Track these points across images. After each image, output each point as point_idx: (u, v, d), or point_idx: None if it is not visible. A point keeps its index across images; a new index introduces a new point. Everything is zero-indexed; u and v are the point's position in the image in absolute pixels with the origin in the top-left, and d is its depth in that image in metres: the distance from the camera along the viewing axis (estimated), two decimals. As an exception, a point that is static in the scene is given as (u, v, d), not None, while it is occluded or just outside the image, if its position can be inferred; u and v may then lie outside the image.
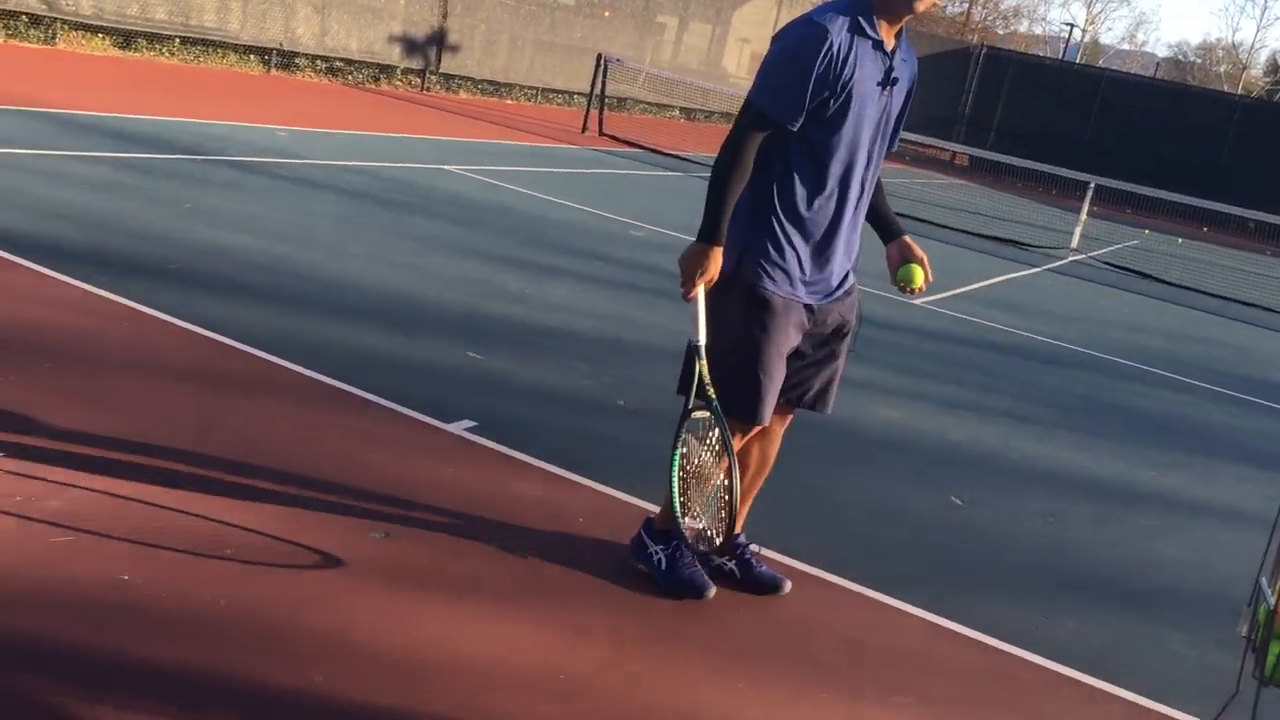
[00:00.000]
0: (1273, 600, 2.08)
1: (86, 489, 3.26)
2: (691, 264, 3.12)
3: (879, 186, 3.40)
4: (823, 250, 3.22)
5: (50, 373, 4.08)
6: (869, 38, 3.06)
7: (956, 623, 3.60)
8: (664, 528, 3.44)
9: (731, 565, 3.54)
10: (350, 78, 17.32)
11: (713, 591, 3.41)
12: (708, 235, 3.10)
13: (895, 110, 3.22)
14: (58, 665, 2.50)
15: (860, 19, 3.05)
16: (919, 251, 3.39)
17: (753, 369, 3.18)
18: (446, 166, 10.88)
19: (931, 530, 4.39)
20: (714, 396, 3.14)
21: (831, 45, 2.99)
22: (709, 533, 3.17)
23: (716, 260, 3.12)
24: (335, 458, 3.84)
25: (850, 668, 3.23)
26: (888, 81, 3.13)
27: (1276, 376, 9.25)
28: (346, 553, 3.23)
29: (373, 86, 17.51)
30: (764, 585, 3.54)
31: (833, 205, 3.18)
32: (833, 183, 3.16)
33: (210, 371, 4.43)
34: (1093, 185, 15.50)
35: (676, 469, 3.23)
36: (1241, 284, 15.49)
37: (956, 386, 6.73)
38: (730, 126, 3.17)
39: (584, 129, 17.15)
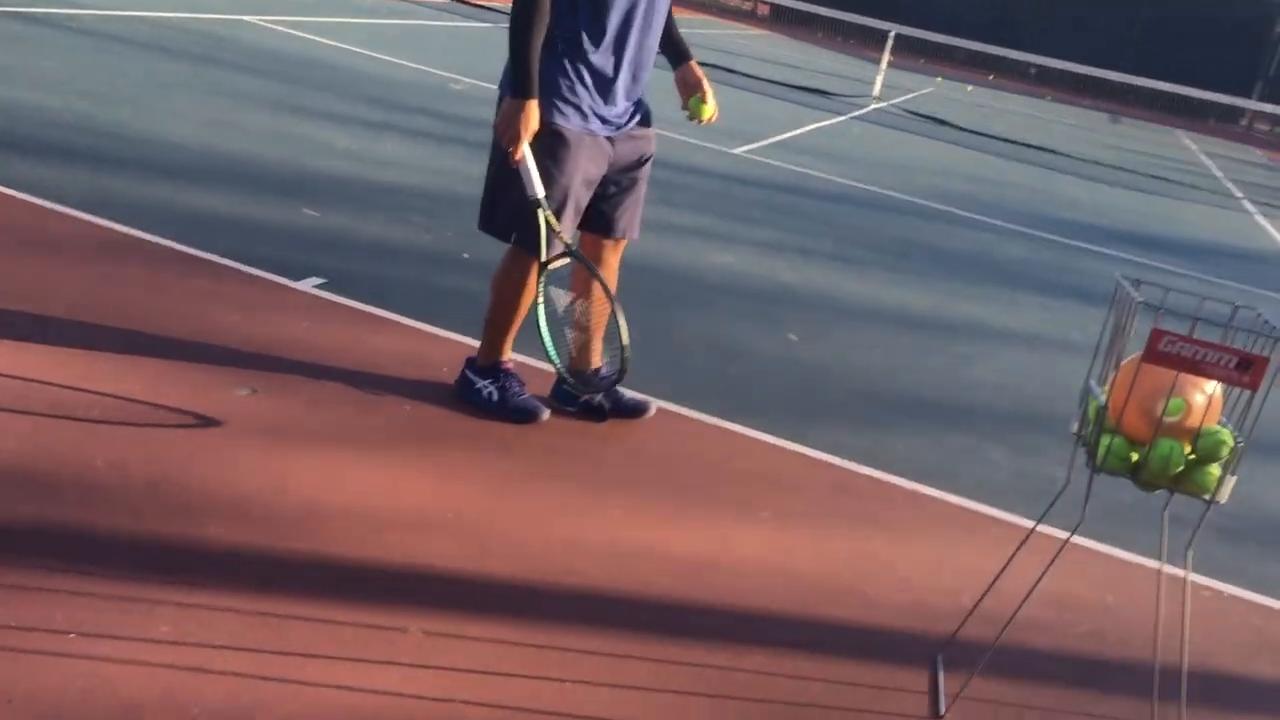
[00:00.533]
0: (1103, 399, 2.37)
1: (-71, 360, 3.12)
2: (510, 119, 3.21)
3: (670, 15, 3.55)
4: (612, 86, 3.38)
5: None
6: None
7: (801, 445, 3.88)
8: (488, 362, 3.58)
9: (600, 398, 3.70)
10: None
11: (546, 414, 3.58)
12: (521, 89, 3.19)
13: None
14: (-60, 534, 2.45)
15: None
16: (705, 83, 3.61)
17: (550, 195, 3.31)
18: (245, 17, 10.31)
19: (771, 365, 4.65)
20: (569, 242, 3.26)
21: None
22: (613, 366, 3.35)
23: (534, 113, 3.21)
24: (188, 319, 3.77)
25: (712, 490, 3.46)
26: None
27: (1064, 214, 9.94)
28: (217, 410, 3.22)
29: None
30: (634, 410, 3.74)
31: (618, 44, 3.34)
32: (614, 23, 3.31)
33: (36, 236, 4.22)
34: (893, 34, 15.95)
35: (544, 322, 3.35)
36: (1026, 128, 16.39)
37: (781, 231, 7.00)
38: None
39: (385, -23, 16.42)
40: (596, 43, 3.31)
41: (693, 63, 3.64)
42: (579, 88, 3.33)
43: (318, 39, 10.13)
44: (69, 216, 4.45)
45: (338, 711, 2.19)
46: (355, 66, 9.24)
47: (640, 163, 3.57)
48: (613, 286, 3.66)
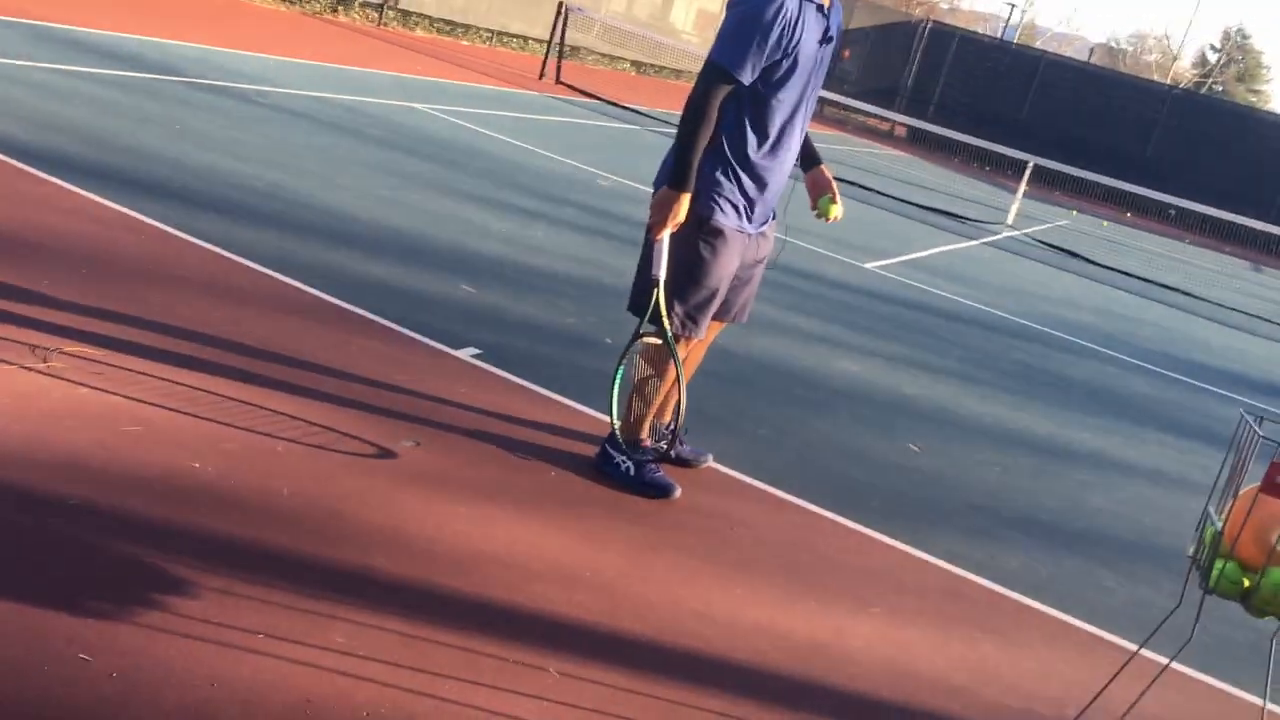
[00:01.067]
0: (1219, 525, 2.50)
1: (141, 383, 3.51)
2: (663, 208, 3.54)
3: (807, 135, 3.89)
4: (765, 189, 3.69)
5: (85, 279, 4.29)
6: (813, 2, 3.49)
7: (919, 549, 4.02)
8: (627, 437, 3.83)
9: (674, 453, 4.00)
10: (307, 6, 17.20)
11: (679, 492, 3.84)
12: (679, 183, 3.52)
13: (827, 60, 3.69)
14: (142, 541, 2.78)
15: None
16: (834, 185, 3.92)
17: (698, 291, 3.65)
18: (414, 104, 11.02)
19: (894, 471, 4.81)
20: (667, 326, 3.63)
21: (785, 12, 3.41)
22: (663, 438, 3.80)
23: (684, 205, 3.54)
24: (362, 374, 4.13)
25: (830, 582, 3.63)
26: (825, 40, 3.59)
27: (1194, 356, 9.88)
28: (385, 457, 3.54)
29: (330, 17, 17.41)
30: (690, 462, 4.12)
31: (775, 150, 3.65)
32: (775, 131, 3.62)
33: (227, 285, 4.66)
34: (1031, 164, 16.09)
35: (619, 380, 3.76)
36: (1161, 268, 16.26)
37: (908, 346, 7.18)
38: (691, 85, 3.55)
39: (541, 75, 17.28)
40: (760, 145, 3.61)
41: (823, 166, 3.95)
42: (739, 187, 3.63)
43: (477, 128, 10.76)
44: (257, 272, 4.90)
45: (485, 732, 2.43)
46: (510, 157, 9.80)
47: (764, 257, 3.90)
48: (700, 357, 4.00)
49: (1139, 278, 14.21)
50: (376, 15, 18.42)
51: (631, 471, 3.82)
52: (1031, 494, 5.03)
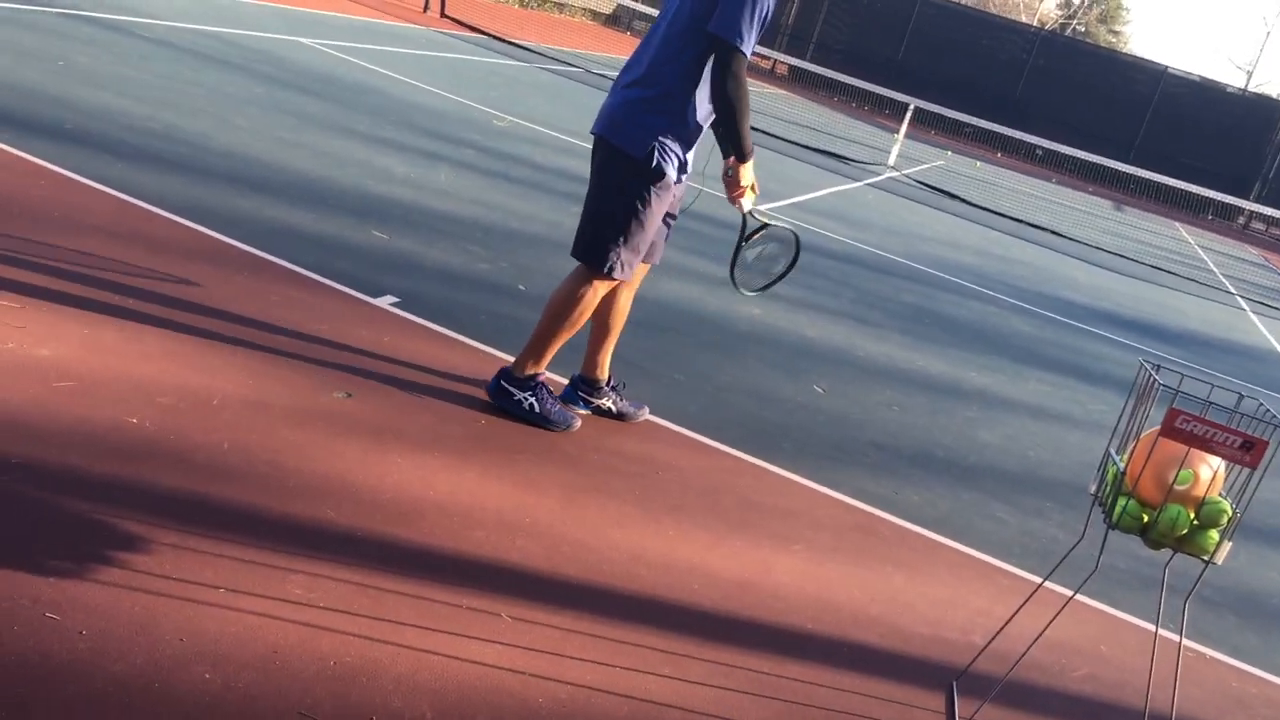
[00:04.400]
0: (1122, 465, 2.74)
1: (64, 337, 3.47)
2: (735, 180, 3.85)
3: None
4: (697, 137, 3.89)
5: (-12, 228, 4.17)
6: None
7: (829, 488, 4.24)
8: (527, 375, 3.96)
9: (609, 405, 4.19)
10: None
11: (579, 423, 4.02)
12: (742, 154, 3.80)
13: None
14: (90, 498, 2.79)
15: None
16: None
17: (641, 235, 3.84)
18: (300, 39, 10.74)
19: (802, 413, 5.02)
20: (766, 221, 4.05)
21: None
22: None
23: (751, 170, 3.85)
24: (286, 325, 4.13)
25: (753, 522, 3.82)
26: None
27: (1066, 294, 10.39)
28: (321, 409, 3.57)
29: (202, -57, 16.70)
30: (629, 416, 4.29)
31: (708, 113, 3.84)
32: (707, 74, 3.76)
33: (138, 233, 4.58)
34: (912, 106, 16.49)
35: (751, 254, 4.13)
36: (1032, 208, 16.93)
37: (805, 290, 7.40)
38: (720, 63, 3.66)
39: (425, 9, 16.93)
40: (700, 108, 3.77)
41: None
42: (681, 143, 3.79)
43: (367, 64, 10.55)
44: (167, 219, 4.81)
45: (441, 676, 2.53)
46: (403, 95, 9.66)
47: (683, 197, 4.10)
48: (628, 305, 4.16)
49: (1011, 218, 14.77)
50: (250, -59, 17.72)
51: (535, 408, 3.94)
52: (927, 431, 5.30)
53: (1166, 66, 29.80)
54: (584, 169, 3.89)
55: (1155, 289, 12.66)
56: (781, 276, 4.29)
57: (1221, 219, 27.57)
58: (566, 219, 6.82)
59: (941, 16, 33.08)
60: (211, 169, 5.76)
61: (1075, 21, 59.17)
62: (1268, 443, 2.56)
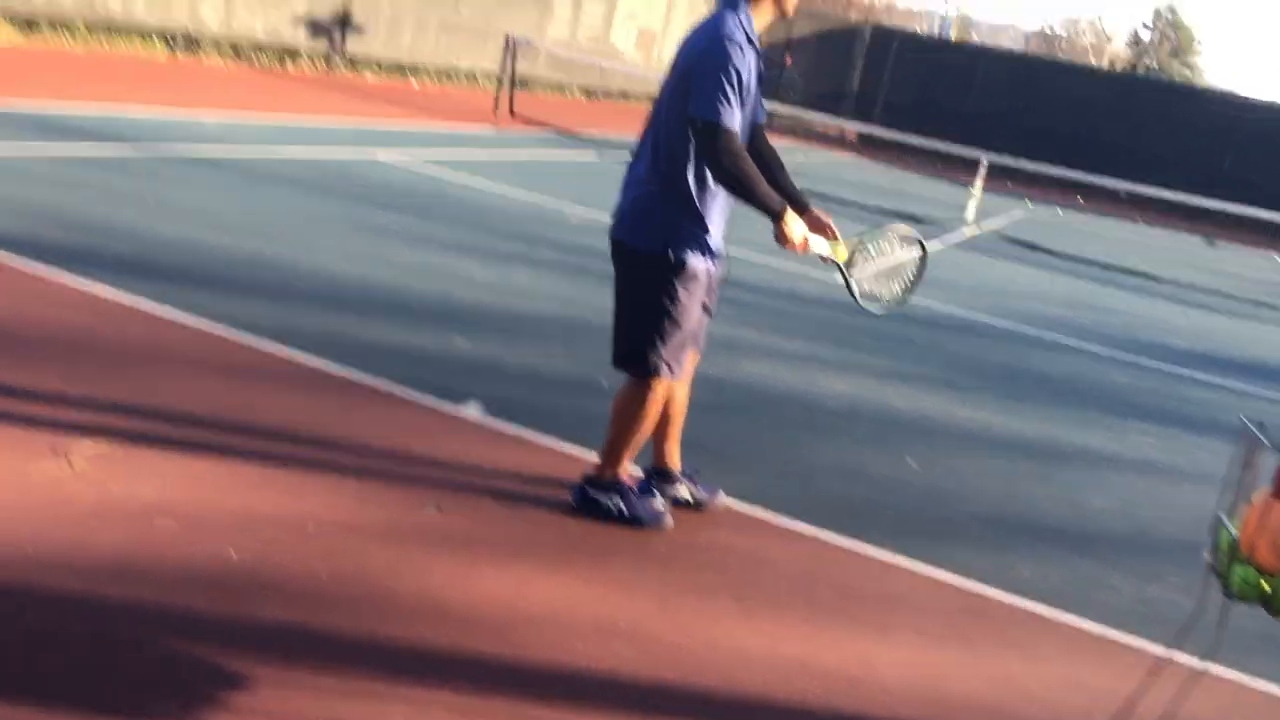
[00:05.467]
0: (1234, 531, 2.62)
1: (165, 475, 3.56)
2: (784, 235, 3.68)
3: (780, 163, 3.94)
4: (722, 222, 3.80)
5: (92, 371, 4.32)
6: (753, 44, 3.65)
7: (933, 568, 4.13)
8: (609, 478, 3.91)
9: (686, 495, 4.11)
10: (256, 61, 17.20)
11: (669, 519, 3.95)
12: (773, 212, 3.63)
13: (759, 92, 3.78)
14: (193, 636, 2.83)
15: (747, 28, 3.63)
16: (831, 225, 3.93)
17: (680, 333, 3.75)
18: (375, 152, 11.07)
19: (897, 489, 4.92)
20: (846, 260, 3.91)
21: (746, 57, 3.57)
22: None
23: (793, 219, 3.68)
24: (375, 443, 4.19)
25: (853, 611, 3.73)
26: (760, 79, 3.71)
27: (1164, 339, 10.10)
28: (412, 526, 3.61)
29: (279, 69, 17.41)
30: (703, 503, 4.20)
31: None
32: None
33: (231, 364, 4.71)
34: (985, 161, 16.35)
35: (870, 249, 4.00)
36: (1120, 252, 16.57)
37: (891, 359, 7.31)
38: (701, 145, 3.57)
39: (496, 109, 17.37)
40: (708, 176, 3.65)
41: (813, 209, 3.94)
42: (701, 225, 3.70)
43: (441, 173, 10.82)
44: (258, 348, 4.94)
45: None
46: (478, 199, 9.87)
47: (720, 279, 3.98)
48: (686, 396, 4.09)
49: (1100, 264, 14.47)
50: (324, 63, 18.45)
51: (624, 511, 3.91)
52: (1031, 498, 5.15)
53: (1246, 96, 29.24)
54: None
55: (1257, 326, 12.24)
56: (920, 272, 4.14)
57: (1321, 244, 26.66)
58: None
59: (1006, 65, 32.96)
60: (297, 292, 5.93)
61: (1146, 58, 58.41)
62: (1390, 500, 2.44)
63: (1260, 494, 2.61)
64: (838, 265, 3.92)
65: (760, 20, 3.66)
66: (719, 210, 3.75)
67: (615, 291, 3.84)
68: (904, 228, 4.13)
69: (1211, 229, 24.61)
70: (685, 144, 3.60)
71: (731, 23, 3.56)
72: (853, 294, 3.98)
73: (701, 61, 3.55)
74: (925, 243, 4.17)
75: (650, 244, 3.68)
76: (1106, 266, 14.37)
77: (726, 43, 3.51)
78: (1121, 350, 9.10)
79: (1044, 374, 7.78)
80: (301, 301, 5.79)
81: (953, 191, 20.66)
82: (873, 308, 4.06)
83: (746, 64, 3.55)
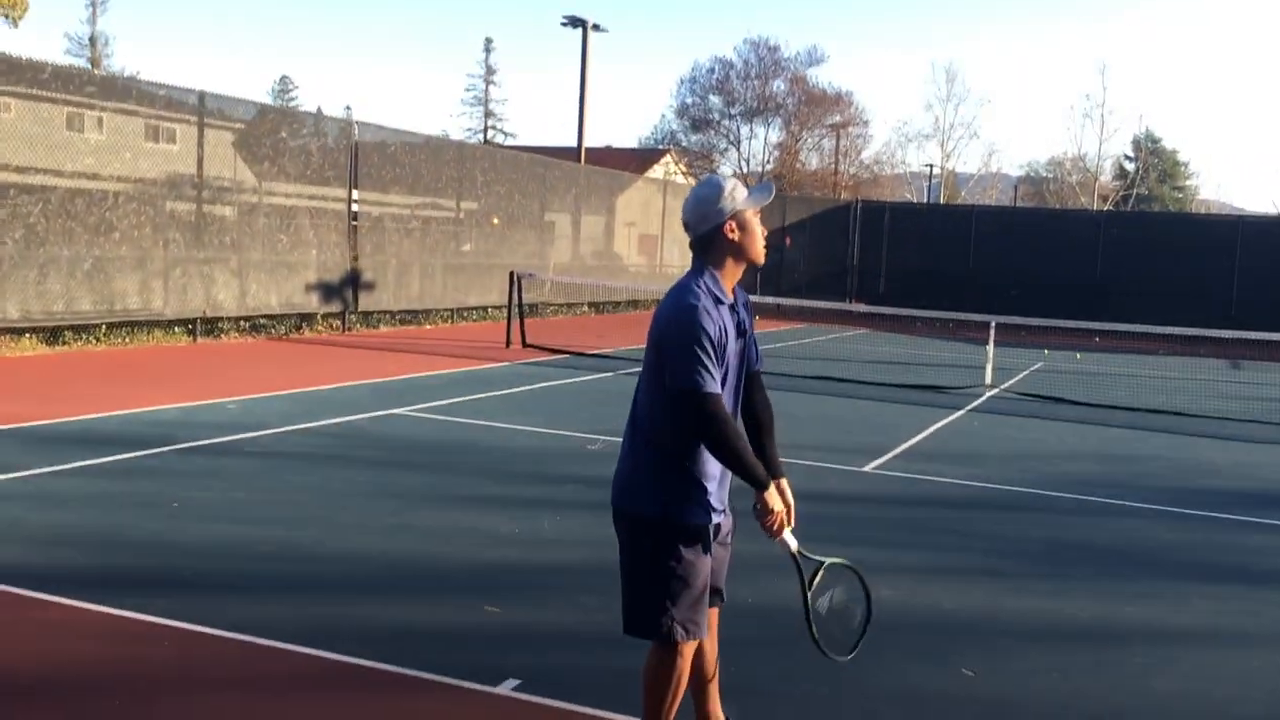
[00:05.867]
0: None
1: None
2: (764, 511, 3.64)
3: (770, 419, 3.91)
4: (719, 475, 3.72)
5: (120, 709, 4.27)
6: (723, 302, 3.66)
7: (1006, 796, 3.92)
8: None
9: None
10: (272, 331, 17.74)
11: None
12: (758, 483, 3.60)
13: (747, 346, 3.77)
14: None
15: (712, 288, 3.64)
16: (792, 507, 3.80)
17: (689, 592, 3.66)
18: (396, 410, 11.25)
19: (957, 707, 4.73)
20: (818, 560, 3.80)
21: (716, 318, 3.58)
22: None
23: (776, 495, 3.65)
24: (410, 744, 4.08)
25: None
26: (740, 333, 3.71)
27: (1205, 482, 9.90)
28: (456, 840, 3.46)
29: (296, 336, 17.94)
30: None
31: None
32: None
33: (262, 675, 4.65)
34: (994, 324, 16.47)
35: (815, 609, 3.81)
36: (1147, 391, 16.47)
37: (931, 551, 7.17)
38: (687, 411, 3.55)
39: (508, 344, 17.74)
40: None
41: (784, 481, 3.81)
42: (696, 484, 3.65)
43: (461, 420, 10.97)
44: (287, 652, 4.89)
45: None
46: (500, 443, 9.96)
47: (729, 529, 3.90)
48: (715, 648, 3.98)
49: (1126, 408, 14.36)
50: (339, 323, 19.01)
51: None
52: (1095, 693, 4.94)
53: (1242, 213, 29.64)
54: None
55: (1300, 449, 12.02)
56: (866, 623, 3.96)
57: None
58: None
59: (1001, 219, 33.67)
60: (323, 581, 5.91)
61: (1136, 189, 59.57)
62: None
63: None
64: (805, 570, 3.81)
65: (728, 278, 3.69)
66: (715, 467, 3.70)
67: (620, 559, 3.80)
68: (851, 571, 3.95)
69: (1233, 350, 24.49)
70: (667, 412, 3.61)
71: (695, 286, 3.61)
72: (809, 619, 3.80)
73: (668, 333, 3.58)
74: (868, 594, 3.98)
75: (648, 508, 3.66)
76: (1134, 410, 14.26)
77: (690, 310, 3.54)
78: (1163, 502, 8.91)
79: (1087, 543, 7.60)
80: (327, 592, 5.76)
81: (967, 352, 20.76)
82: (825, 646, 3.84)
83: (717, 324, 3.56)
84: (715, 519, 3.74)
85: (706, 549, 3.72)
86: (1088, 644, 5.58)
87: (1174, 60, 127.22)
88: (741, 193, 3.69)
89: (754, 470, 3.59)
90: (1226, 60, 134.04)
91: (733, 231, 3.65)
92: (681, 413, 3.56)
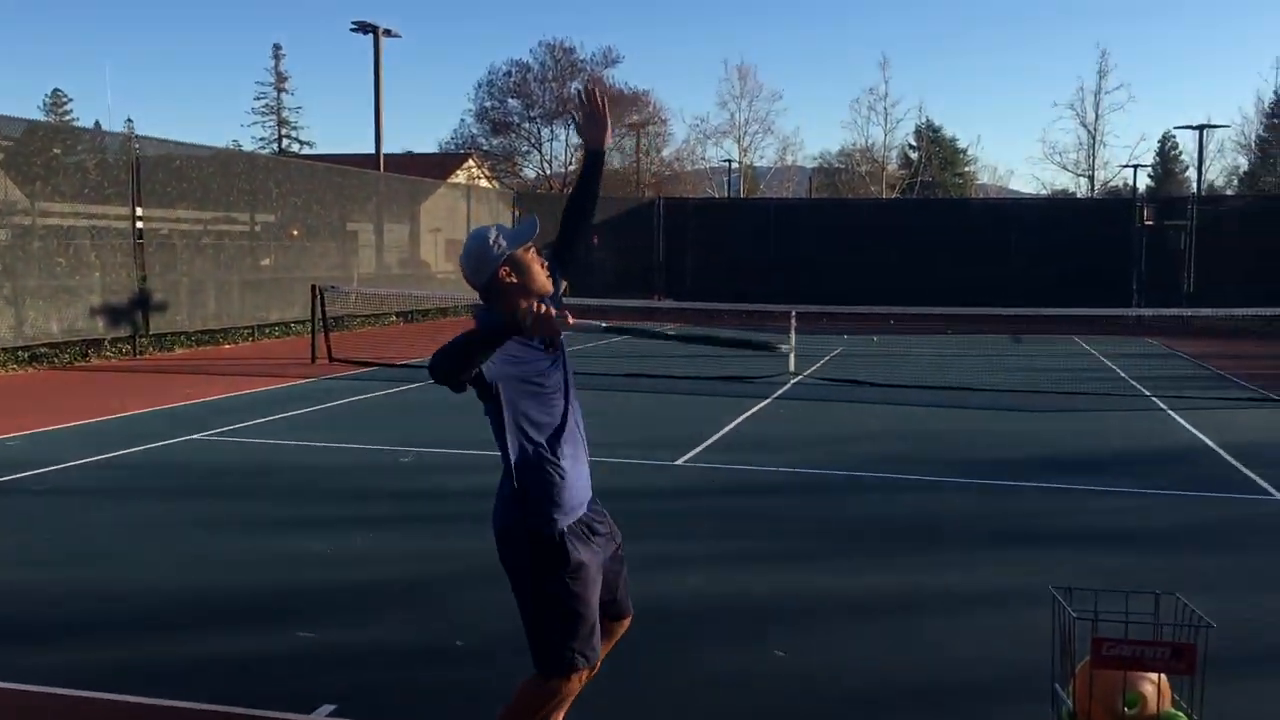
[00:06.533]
0: (1071, 703, 2.70)
1: None
2: (526, 315, 3.24)
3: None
4: (580, 473, 3.68)
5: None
6: (529, 344, 3.62)
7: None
8: None
9: None
10: (55, 361, 16.75)
11: None
12: (506, 324, 3.31)
13: (561, 355, 3.74)
14: None
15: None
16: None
17: (581, 620, 3.57)
18: (195, 435, 10.82)
19: (770, 688, 4.89)
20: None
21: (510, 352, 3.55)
22: None
23: (529, 316, 3.24)
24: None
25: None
26: (551, 346, 3.68)
27: (993, 451, 10.51)
28: None
29: (82, 364, 16.99)
30: None
31: (568, 443, 3.64)
32: (559, 402, 3.65)
33: (57, 727, 4.41)
34: (794, 313, 17.05)
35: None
36: (937, 369, 17.36)
37: (742, 539, 7.38)
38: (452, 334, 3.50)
39: (313, 359, 17.27)
40: (560, 432, 3.61)
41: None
42: (566, 485, 3.58)
43: (265, 440, 10.63)
44: (87, 700, 4.65)
45: None
46: (306, 461, 9.70)
47: (616, 537, 3.85)
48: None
49: (918, 386, 15.10)
50: (130, 347, 18.10)
51: None
52: (901, 664, 5.18)
53: (1016, 195, 31.55)
54: (492, 481, 3.78)
55: (1078, 418, 12.90)
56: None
57: (1113, 320, 28.52)
58: (481, 543, 6.78)
59: (797, 212, 34.89)
60: (124, 620, 5.64)
61: (920, 176, 62.50)
62: (1195, 646, 2.56)
63: (1083, 664, 2.70)
64: (629, 330, 4.00)
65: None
66: (575, 474, 3.64)
67: (513, 592, 3.68)
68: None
69: (1017, 326, 26.05)
70: (508, 426, 3.59)
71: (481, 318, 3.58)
72: (710, 337, 3.96)
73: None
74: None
75: (505, 520, 3.60)
76: (926, 387, 15.00)
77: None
78: (953, 475, 9.42)
79: (887, 519, 7.96)
80: (130, 631, 5.50)
81: (775, 340, 21.37)
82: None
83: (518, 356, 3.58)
84: (593, 538, 3.67)
85: (583, 563, 3.59)
86: (890, 616, 5.86)
87: (950, 48, 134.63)
88: (506, 237, 3.70)
89: (490, 324, 3.37)
90: (997, 45, 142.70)
91: (509, 276, 3.63)
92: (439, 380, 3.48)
